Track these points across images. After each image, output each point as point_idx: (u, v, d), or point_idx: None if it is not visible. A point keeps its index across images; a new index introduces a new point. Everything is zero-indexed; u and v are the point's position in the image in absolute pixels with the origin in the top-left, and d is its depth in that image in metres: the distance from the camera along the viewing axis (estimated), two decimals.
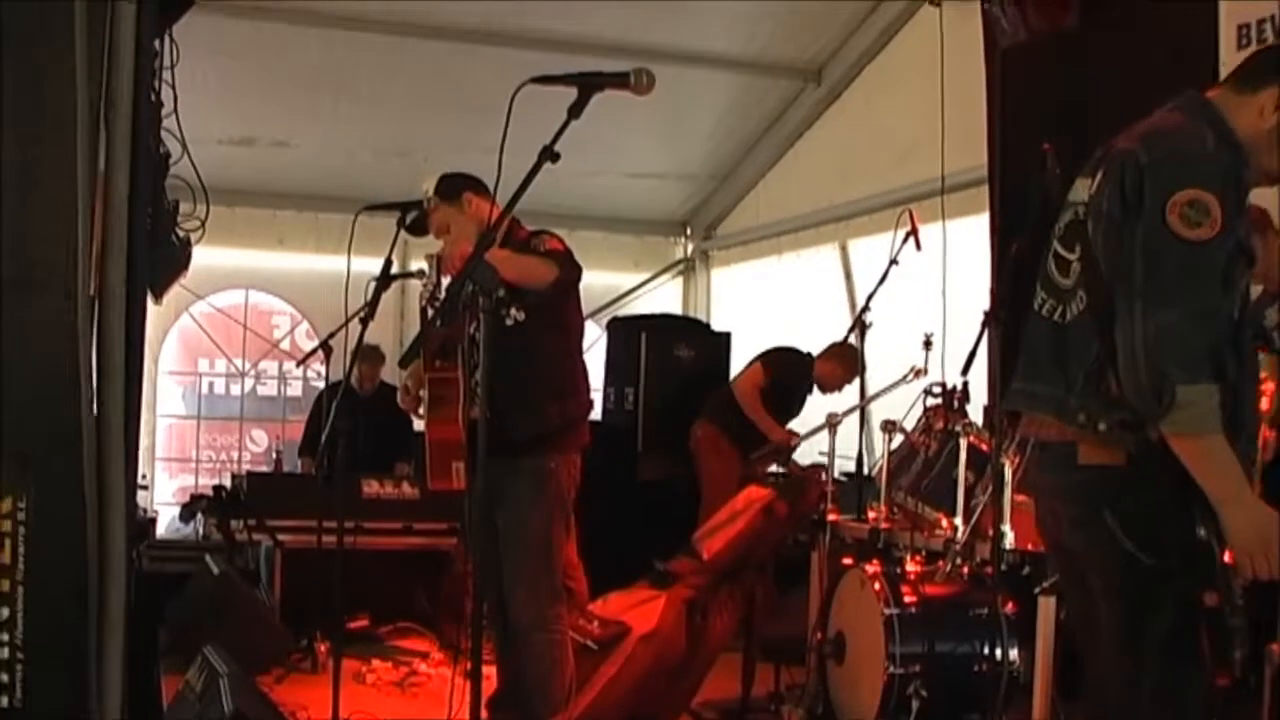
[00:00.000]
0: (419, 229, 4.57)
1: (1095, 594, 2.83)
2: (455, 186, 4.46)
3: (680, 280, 10.71)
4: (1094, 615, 2.91)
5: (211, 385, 9.77)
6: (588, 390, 4.64)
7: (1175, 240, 2.58)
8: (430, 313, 4.29)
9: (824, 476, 5.62)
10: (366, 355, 7.72)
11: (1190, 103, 2.83)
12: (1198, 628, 2.64)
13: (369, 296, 4.58)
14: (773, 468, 7.16)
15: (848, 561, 5.11)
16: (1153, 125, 2.79)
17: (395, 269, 4.78)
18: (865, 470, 5.84)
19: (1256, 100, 2.78)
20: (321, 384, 7.69)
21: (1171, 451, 2.58)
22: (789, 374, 7.34)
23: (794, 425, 7.30)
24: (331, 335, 5.87)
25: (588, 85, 3.04)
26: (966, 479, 4.82)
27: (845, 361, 7.16)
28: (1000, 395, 3.84)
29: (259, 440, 9.78)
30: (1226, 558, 2.61)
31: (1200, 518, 2.60)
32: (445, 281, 4.19)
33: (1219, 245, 2.59)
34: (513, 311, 4.28)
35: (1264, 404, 3.98)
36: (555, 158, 2.98)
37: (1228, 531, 2.58)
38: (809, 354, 7.38)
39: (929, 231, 6.14)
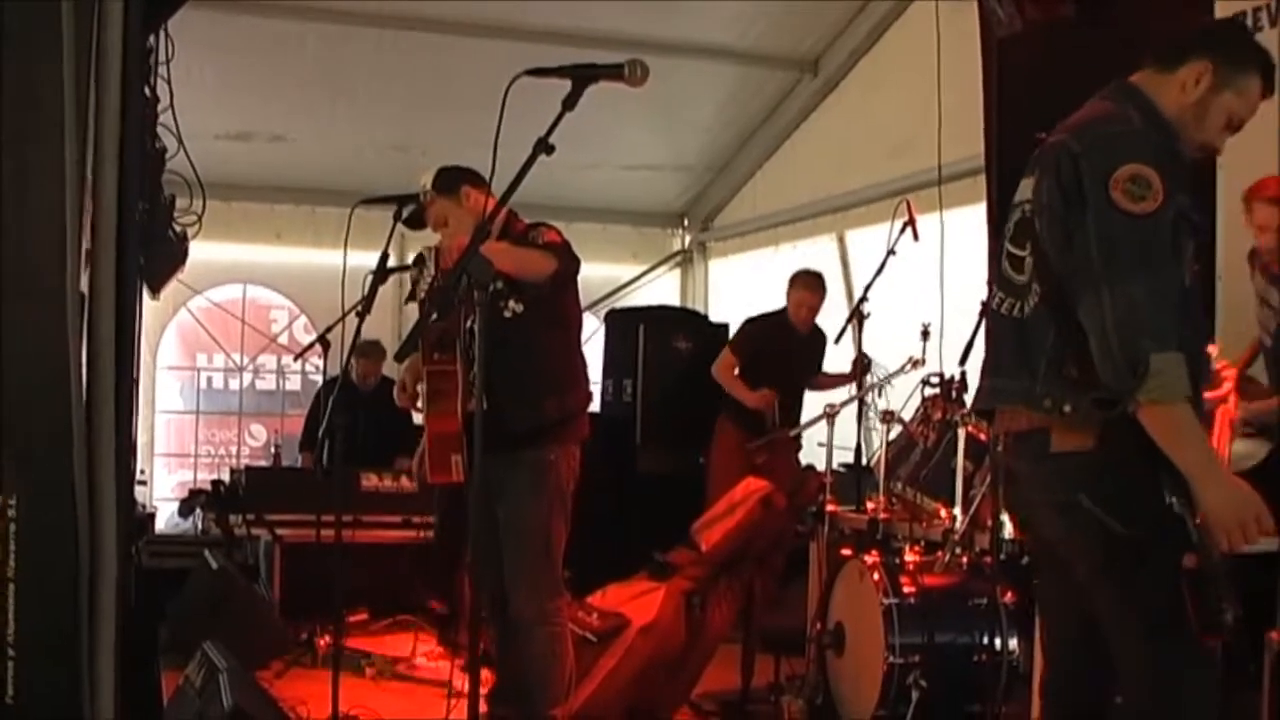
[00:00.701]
0: (416, 222, 4.56)
1: (1078, 580, 2.86)
2: (453, 180, 4.45)
3: (678, 272, 10.71)
4: (1058, 596, 3.02)
5: (210, 380, 9.76)
6: (587, 382, 4.63)
7: (1123, 216, 2.65)
8: (428, 306, 4.27)
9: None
10: (365, 351, 7.71)
11: (1116, 90, 2.95)
12: (1182, 597, 2.65)
13: (366, 290, 4.57)
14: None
15: (847, 552, 5.11)
16: (1081, 116, 2.90)
17: (392, 263, 4.76)
18: (864, 461, 5.84)
19: (1177, 77, 2.89)
20: (320, 378, 7.68)
21: (1138, 424, 2.63)
22: (756, 341, 7.29)
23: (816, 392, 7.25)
24: (329, 330, 5.85)
25: (581, 77, 3.04)
26: (965, 469, 4.83)
27: (805, 284, 7.17)
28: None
29: (258, 435, 9.77)
30: (1199, 519, 2.65)
31: (1169, 486, 2.65)
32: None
33: (1164, 216, 2.66)
34: (511, 304, 4.27)
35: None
36: (550, 150, 2.98)
37: (1203, 508, 2.62)
38: (777, 310, 7.33)
39: (926, 221, 6.13)
